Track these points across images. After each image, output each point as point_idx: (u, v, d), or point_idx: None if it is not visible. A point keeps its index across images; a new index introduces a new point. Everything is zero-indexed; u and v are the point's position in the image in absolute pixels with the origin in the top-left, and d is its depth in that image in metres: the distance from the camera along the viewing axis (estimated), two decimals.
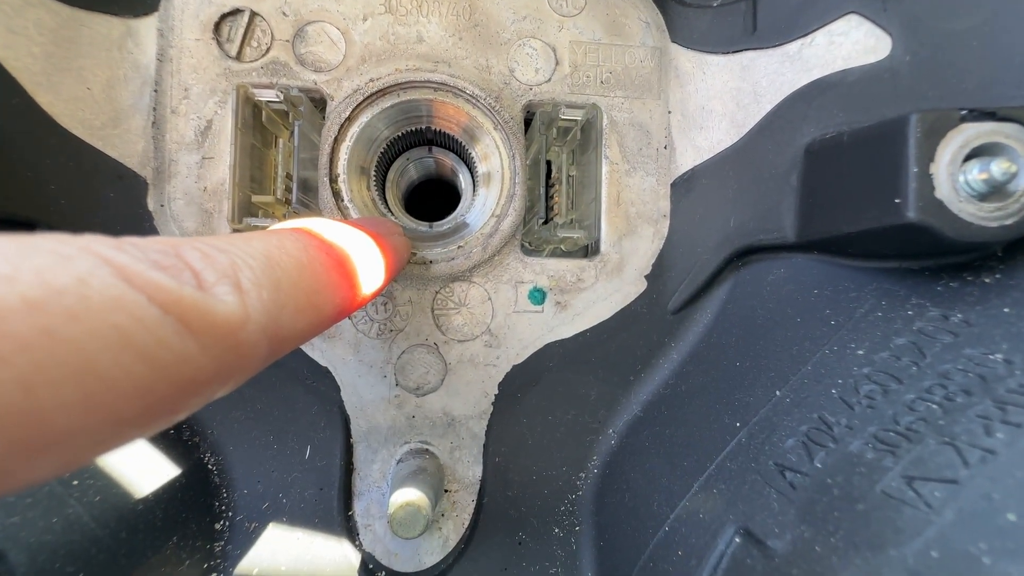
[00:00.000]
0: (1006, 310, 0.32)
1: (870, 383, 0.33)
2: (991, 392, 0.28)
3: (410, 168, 0.53)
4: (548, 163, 0.52)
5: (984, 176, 0.32)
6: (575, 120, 0.47)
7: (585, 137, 0.49)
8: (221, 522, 0.40)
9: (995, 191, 0.33)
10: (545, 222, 0.48)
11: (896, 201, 0.34)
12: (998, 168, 0.32)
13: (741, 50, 0.46)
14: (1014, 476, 0.23)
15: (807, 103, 0.43)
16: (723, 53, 0.47)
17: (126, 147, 0.43)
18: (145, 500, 0.36)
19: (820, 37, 0.42)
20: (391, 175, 0.52)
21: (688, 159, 0.48)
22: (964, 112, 0.34)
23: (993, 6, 0.36)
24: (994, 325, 0.32)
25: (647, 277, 0.48)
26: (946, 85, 0.38)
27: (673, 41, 0.49)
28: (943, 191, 0.33)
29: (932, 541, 0.24)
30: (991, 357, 0.30)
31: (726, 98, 0.47)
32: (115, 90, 0.42)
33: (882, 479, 0.27)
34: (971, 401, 0.28)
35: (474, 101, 0.46)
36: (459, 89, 0.45)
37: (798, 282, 0.43)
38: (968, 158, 0.34)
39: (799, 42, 0.43)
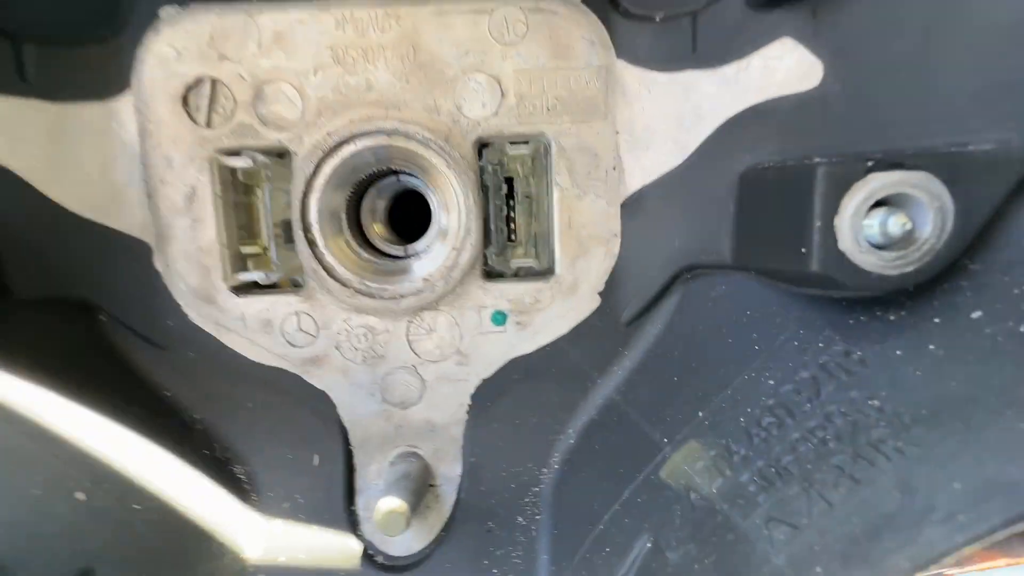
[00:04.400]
0: (898, 352, 0.35)
1: (771, 416, 0.38)
2: (855, 442, 0.32)
3: (380, 201, 0.57)
4: (510, 181, 0.55)
5: (882, 230, 0.34)
6: (523, 154, 0.49)
7: (536, 164, 0.51)
8: (252, 521, 0.51)
9: (896, 243, 0.34)
10: (503, 248, 0.52)
11: (803, 250, 0.36)
12: (895, 223, 0.33)
13: (683, 69, 0.45)
14: (834, 532, 0.28)
15: (743, 129, 0.43)
16: (667, 71, 0.46)
17: (129, 219, 0.49)
18: (193, 512, 0.47)
19: (756, 60, 0.42)
20: (364, 208, 0.56)
21: (636, 179, 0.49)
22: (871, 163, 0.34)
23: (923, 30, 0.35)
24: (883, 367, 0.34)
25: (600, 293, 0.52)
26: (876, 116, 0.37)
27: (619, 57, 0.48)
28: (846, 243, 0.35)
29: None
30: (869, 403, 0.33)
31: (670, 119, 0.47)
32: (109, 170, 0.48)
33: (752, 513, 0.33)
34: (838, 448, 0.32)
35: (425, 143, 0.49)
36: (409, 135, 0.48)
37: (735, 300, 0.46)
38: (877, 205, 0.34)
39: (736, 65, 0.43)
